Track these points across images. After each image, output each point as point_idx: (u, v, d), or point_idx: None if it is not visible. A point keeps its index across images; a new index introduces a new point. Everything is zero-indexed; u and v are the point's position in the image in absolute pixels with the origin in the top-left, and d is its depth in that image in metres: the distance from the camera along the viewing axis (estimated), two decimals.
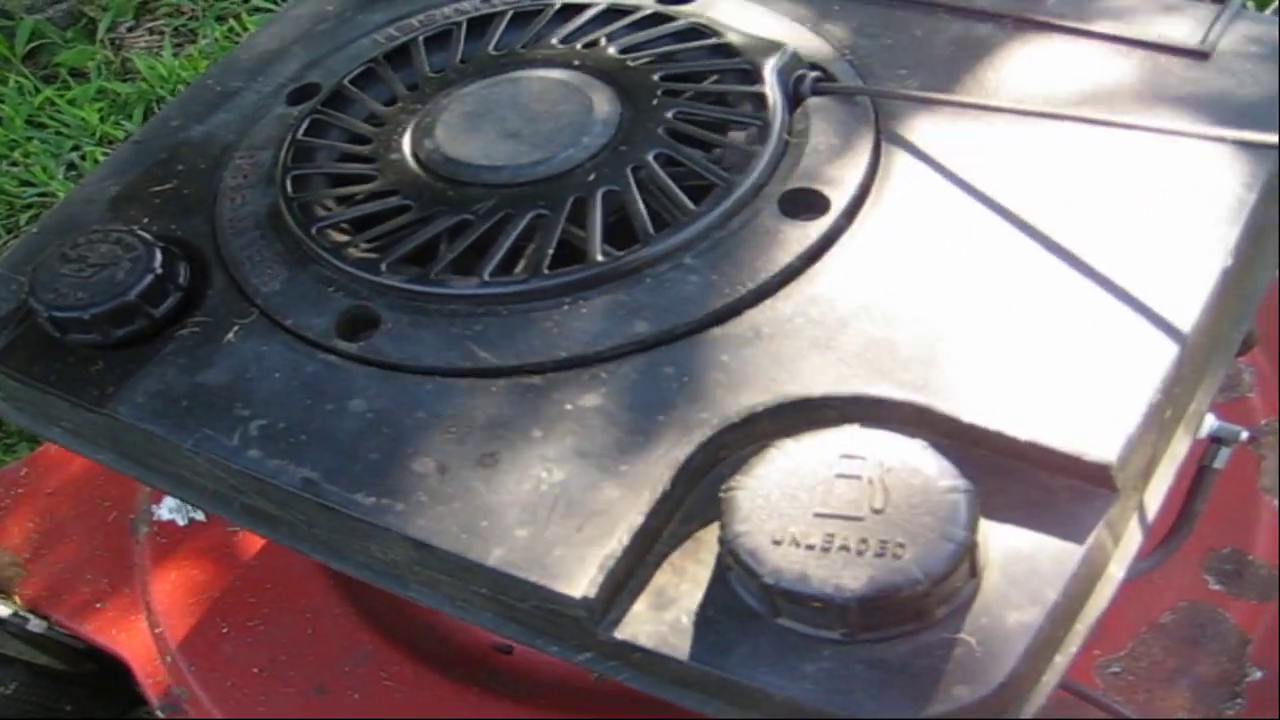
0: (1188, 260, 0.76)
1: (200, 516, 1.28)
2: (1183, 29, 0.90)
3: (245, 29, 2.16)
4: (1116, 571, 0.70)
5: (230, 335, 0.85)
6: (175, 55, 2.17)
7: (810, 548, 0.65)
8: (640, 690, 0.70)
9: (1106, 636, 1.08)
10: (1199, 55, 0.88)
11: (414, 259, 0.86)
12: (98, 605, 1.26)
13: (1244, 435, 0.90)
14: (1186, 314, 0.73)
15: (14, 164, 2.05)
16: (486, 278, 0.82)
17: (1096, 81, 0.88)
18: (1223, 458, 0.92)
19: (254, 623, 1.20)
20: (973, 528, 0.65)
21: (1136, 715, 1.01)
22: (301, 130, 0.96)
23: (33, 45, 2.25)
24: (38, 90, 2.15)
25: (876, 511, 0.66)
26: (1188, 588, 1.10)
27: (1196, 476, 0.93)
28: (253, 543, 1.25)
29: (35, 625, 1.25)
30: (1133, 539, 0.71)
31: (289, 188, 0.92)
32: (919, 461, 0.67)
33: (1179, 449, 0.75)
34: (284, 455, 0.78)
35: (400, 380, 0.80)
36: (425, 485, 0.74)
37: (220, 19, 2.22)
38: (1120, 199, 0.80)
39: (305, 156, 0.95)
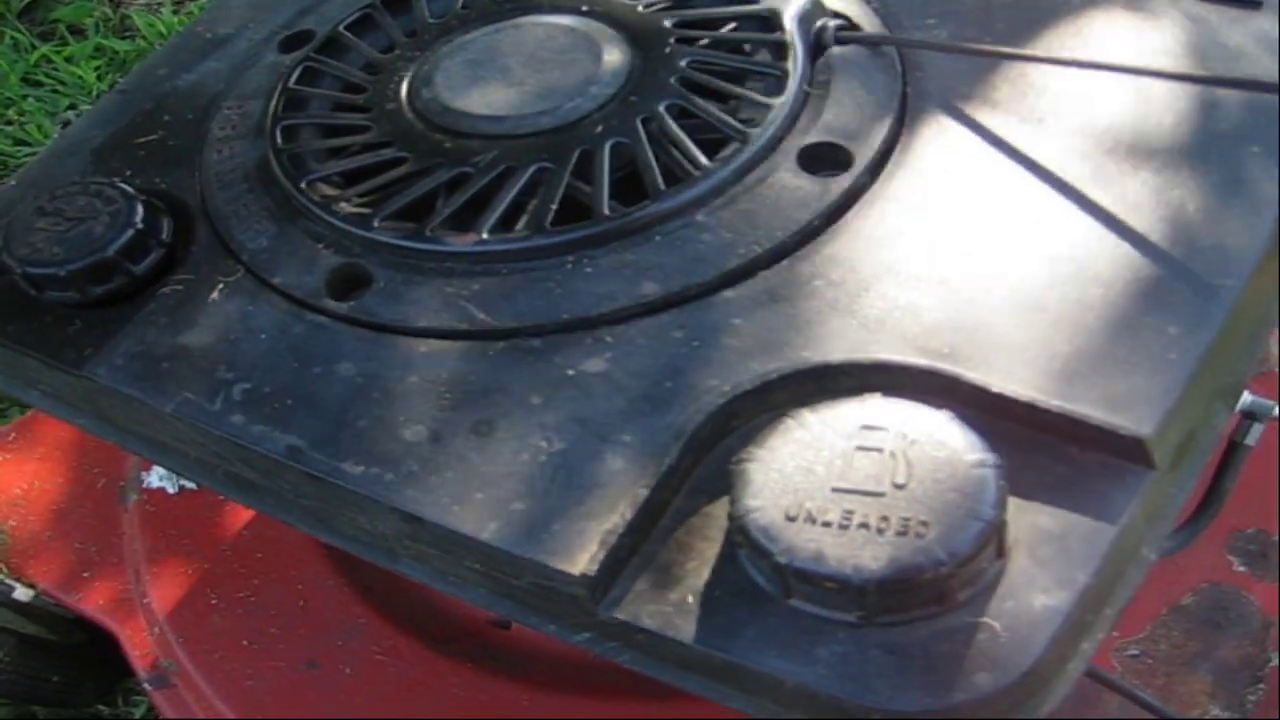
0: (1234, 221, 0.73)
1: (191, 484, 1.26)
2: None
3: None
4: (1148, 553, 0.67)
5: (214, 294, 0.82)
6: (175, 12, 2.15)
7: (827, 525, 0.62)
8: (642, 672, 0.67)
9: (1125, 618, 1.06)
10: (1250, 4, 0.84)
11: (409, 214, 0.82)
12: (85, 574, 1.24)
13: (1278, 411, 0.87)
14: (1231, 279, 0.70)
15: (9, 123, 2.04)
16: (485, 234, 0.79)
17: (1138, 30, 0.85)
18: (1255, 434, 0.90)
19: (244, 594, 1.18)
20: (1001, 506, 0.62)
21: (1155, 700, 0.99)
22: (293, 79, 0.93)
23: (29, 0, 2.22)
24: (34, 47, 2.13)
25: (898, 487, 0.62)
26: (1210, 569, 1.08)
27: (1226, 453, 0.90)
28: (244, 512, 1.23)
29: (21, 594, 1.23)
30: (1166, 519, 0.68)
31: (279, 139, 0.89)
32: (944, 434, 0.64)
33: (1217, 424, 0.72)
34: (269, 421, 0.74)
35: (392, 342, 0.77)
36: (416, 454, 0.71)
37: None
38: (1162, 156, 0.77)
39: (297, 106, 0.92)
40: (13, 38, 2.14)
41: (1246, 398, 0.83)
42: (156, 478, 1.27)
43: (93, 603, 1.22)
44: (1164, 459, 0.66)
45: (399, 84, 0.91)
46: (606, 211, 0.79)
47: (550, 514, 0.67)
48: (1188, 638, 1.06)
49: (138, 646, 1.19)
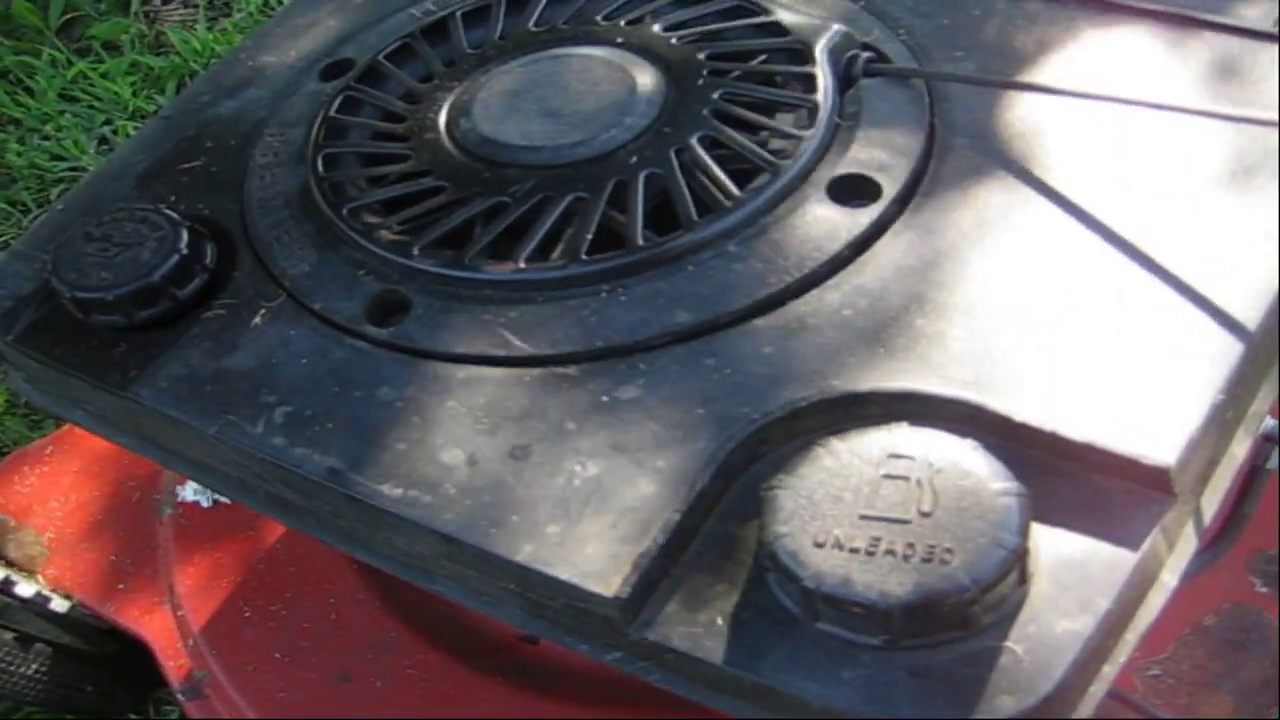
0: (1255, 252, 0.73)
1: (224, 499, 1.26)
2: (1253, 10, 0.87)
3: (280, 2, 2.14)
4: (1170, 579, 0.68)
5: (257, 319, 0.83)
6: (209, 29, 2.16)
7: (854, 551, 0.63)
8: (671, 692, 0.68)
9: (1147, 639, 1.06)
10: (1270, 38, 0.85)
11: (447, 242, 0.84)
12: (120, 586, 1.25)
13: None
14: (1253, 309, 0.71)
15: (46, 138, 2.05)
16: (522, 263, 0.80)
17: (1162, 64, 0.86)
18: (1276, 459, 0.89)
19: (277, 607, 1.19)
20: (1024, 533, 0.63)
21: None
22: (334, 107, 0.94)
23: (66, 18, 2.24)
24: (70, 63, 2.14)
25: (924, 514, 0.64)
26: (1232, 589, 1.08)
27: (1248, 477, 0.90)
28: (276, 526, 1.24)
29: (58, 605, 1.24)
30: (1187, 545, 0.69)
31: (320, 167, 0.90)
32: (969, 463, 0.65)
33: (1238, 451, 0.73)
34: (309, 444, 0.76)
35: (430, 368, 0.78)
36: (454, 477, 0.72)
37: None
38: (1185, 188, 0.78)
39: (337, 134, 0.93)
40: (50, 55, 2.15)
41: (1268, 422, 0.83)
42: (190, 491, 1.27)
43: (128, 614, 1.23)
44: (1186, 487, 0.67)
45: (437, 113, 0.92)
46: (641, 241, 0.80)
47: (584, 537, 0.68)
48: (1210, 658, 1.05)
49: (172, 657, 1.19)
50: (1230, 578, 1.08)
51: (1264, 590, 1.08)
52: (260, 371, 0.80)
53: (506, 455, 0.72)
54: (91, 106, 2.08)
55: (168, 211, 0.89)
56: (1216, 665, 1.05)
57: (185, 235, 0.86)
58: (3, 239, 1.93)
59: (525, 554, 0.68)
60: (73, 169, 1.99)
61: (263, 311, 0.84)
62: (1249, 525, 0.90)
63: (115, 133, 2.03)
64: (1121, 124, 0.82)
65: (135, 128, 2.02)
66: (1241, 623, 1.07)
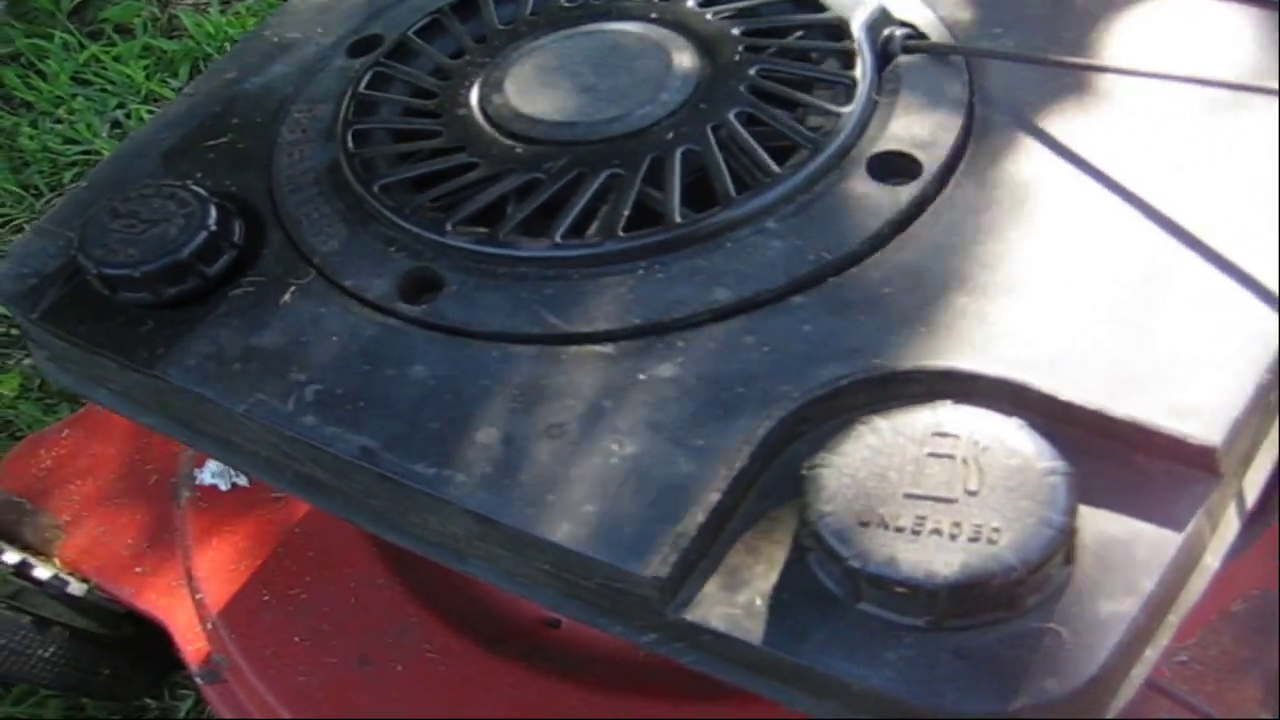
0: None
1: (243, 481, 1.26)
2: None
3: None
4: (1212, 561, 0.67)
5: (286, 296, 0.83)
6: (222, 12, 2.16)
7: (900, 530, 0.63)
8: (707, 673, 0.67)
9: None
10: None
11: (480, 219, 0.83)
12: (138, 569, 1.25)
13: None
14: None
15: (58, 121, 2.05)
16: (558, 239, 0.80)
17: (1209, 41, 0.85)
18: None
19: (296, 591, 1.18)
20: (1072, 513, 0.62)
21: (1206, 707, 0.99)
22: (363, 83, 0.94)
23: (78, 0, 2.24)
24: (83, 46, 2.14)
25: (970, 493, 0.63)
26: (1260, 576, 1.07)
27: None
28: (296, 509, 1.23)
29: (75, 588, 1.24)
30: (1230, 527, 0.68)
31: (350, 143, 0.89)
32: (1016, 441, 0.64)
33: (1278, 433, 0.71)
34: (341, 422, 0.75)
35: (464, 346, 0.77)
36: (489, 456, 0.71)
37: None
38: (1232, 166, 0.77)
39: (367, 111, 0.92)
40: (62, 38, 2.15)
41: None
42: (209, 475, 1.27)
43: (146, 597, 1.23)
44: (1230, 468, 0.66)
45: (469, 89, 0.91)
46: (678, 218, 0.79)
47: (622, 516, 0.67)
48: (1237, 644, 1.04)
49: (190, 641, 1.19)
50: (1258, 564, 1.07)
51: None
52: (290, 349, 0.79)
53: (542, 434, 0.72)
54: (104, 90, 2.08)
55: (195, 188, 0.88)
56: (1244, 652, 1.04)
57: (213, 212, 0.85)
58: (16, 222, 1.93)
59: (562, 533, 0.68)
60: (85, 152, 1.98)
61: (292, 289, 0.83)
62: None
63: (128, 116, 2.03)
64: (1164, 100, 0.81)
65: (148, 111, 2.02)
66: (1269, 609, 1.06)
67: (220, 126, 0.96)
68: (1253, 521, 0.90)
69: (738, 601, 0.65)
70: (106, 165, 0.97)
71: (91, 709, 1.38)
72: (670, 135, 0.84)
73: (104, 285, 0.85)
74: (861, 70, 0.85)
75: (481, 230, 0.82)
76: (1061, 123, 0.81)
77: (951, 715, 0.60)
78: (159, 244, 0.84)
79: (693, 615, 0.65)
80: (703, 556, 0.67)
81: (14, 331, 1.76)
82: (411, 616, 1.15)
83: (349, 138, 0.90)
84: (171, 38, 2.16)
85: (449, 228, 0.82)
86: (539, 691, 1.09)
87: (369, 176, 0.87)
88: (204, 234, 0.84)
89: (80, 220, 0.89)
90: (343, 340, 0.79)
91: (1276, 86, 0.79)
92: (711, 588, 0.66)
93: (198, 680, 1.17)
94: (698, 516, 0.67)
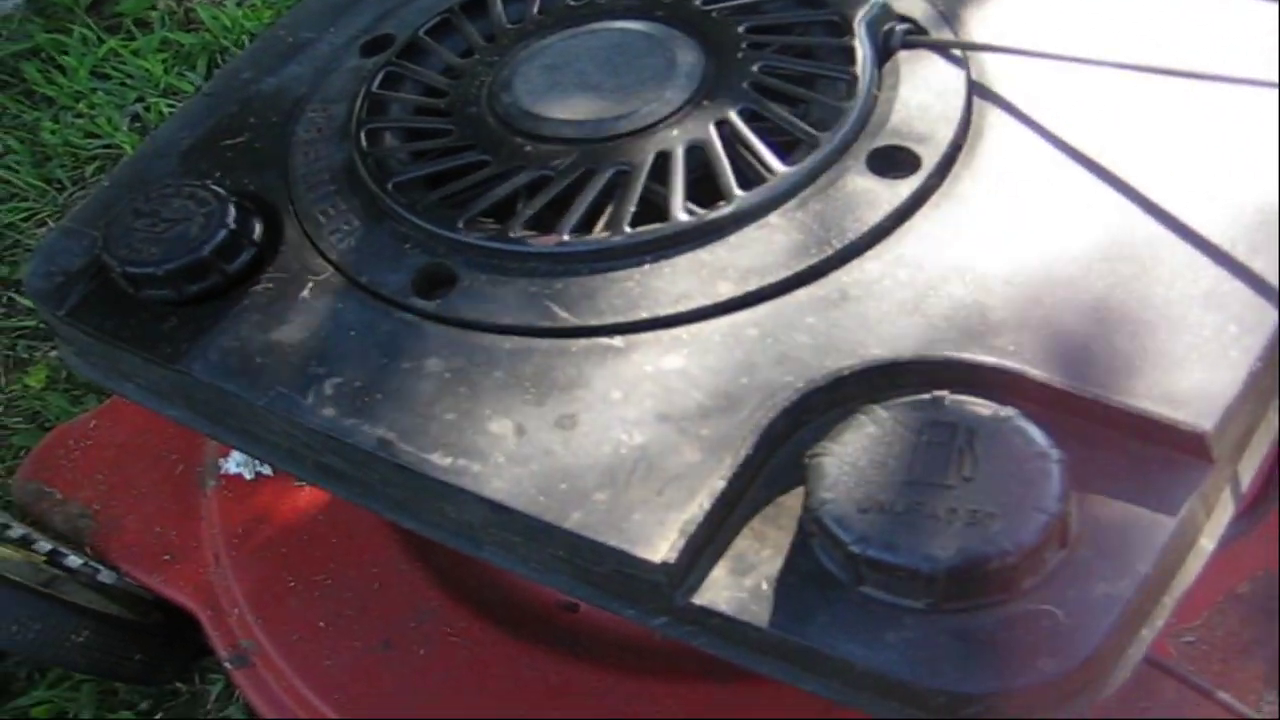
0: None
1: (266, 470, 1.28)
2: None
3: None
4: (1207, 544, 0.69)
5: (304, 292, 0.84)
6: (239, 5, 2.16)
7: (898, 515, 0.64)
8: (716, 656, 0.69)
9: (1181, 605, 1.06)
10: None
11: (491, 215, 0.85)
12: (166, 557, 1.26)
13: None
14: None
15: (79, 115, 2.05)
16: (566, 235, 0.81)
17: (1206, 35, 0.86)
18: None
19: (320, 577, 1.20)
20: (1065, 498, 0.64)
21: (1211, 686, 0.99)
22: (376, 83, 0.95)
23: None
24: (101, 40, 2.15)
25: (966, 480, 0.65)
26: (1266, 557, 1.07)
27: None
28: (318, 497, 1.25)
29: (105, 576, 1.26)
30: (1224, 511, 0.70)
31: (364, 142, 0.91)
32: (1010, 429, 0.66)
33: (1275, 419, 0.73)
34: (359, 414, 0.77)
35: (477, 339, 0.79)
36: (502, 446, 0.73)
37: None
38: (1225, 158, 0.78)
39: (380, 110, 0.94)
40: (81, 33, 2.16)
41: None
42: (234, 464, 1.29)
43: (175, 585, 1.25)
44: (1223, 453, 0.68)
45: (479, 88, 0.93)
46: (683, 214, 0.81)
47: (631, 504, 0.69)
48: (1243, 625, 1.05)
49: (218, 627, 1.21)
50: (1265, 545, 1.07)
51: None
52: (309, 344, 0.81)
53: (554, 424, 0.73)
54: (123, 84, 2.08)
55: (215, 187, 0.90)
56: (1250, 632, 1.05)
57: (233, 210, 0.87)
58: (39, 215, 1.94)
59: (573, 521, 0.69)
60: (106, 146, 1.99)
61: (310, 285, 0.85)
62: None
63: (148, 110, 2.04)
64: (1161, 93, 0.82)
65: (168, 105, 2.03)
66: (1275, 590, 1.06)
67: (237, 126, 0.98)
68: (1256, 504, 0.92)
69: (744, 586, 0.67)
70: (127, 165, 0.99)
71: (124, 693, 1.39)
72: (675, 132, 0.86)
73: (128, 283, 0.87)
74: (862, 66, 0.87)
75: (493, 226, 0.84)
76: (1058, 116, 0.83)
77: (952, 692, 0.62)
78: (180, 242, 0.86)
79: (701, 599, 0.67)
80: (710, 542, 0.69)
81: (41, 325, 1.78)
82: (432, 601, 1.16)
83: (363, 137, 0.92)
84: (189, 31, 2.16)
85: (461, 224, 0.84)
86: (558, 673, 1.10)
87: (383, 175, 0.89)
88: (224, 232, 0.86)
89: (103, 219, 0.91)
90: (360, 334, 0.81)
91: (1275, 80, 0.80)
92: (719, 573, 0.68)
93: (226, 665, 1.19)
94: (705, 504, 0.68)
